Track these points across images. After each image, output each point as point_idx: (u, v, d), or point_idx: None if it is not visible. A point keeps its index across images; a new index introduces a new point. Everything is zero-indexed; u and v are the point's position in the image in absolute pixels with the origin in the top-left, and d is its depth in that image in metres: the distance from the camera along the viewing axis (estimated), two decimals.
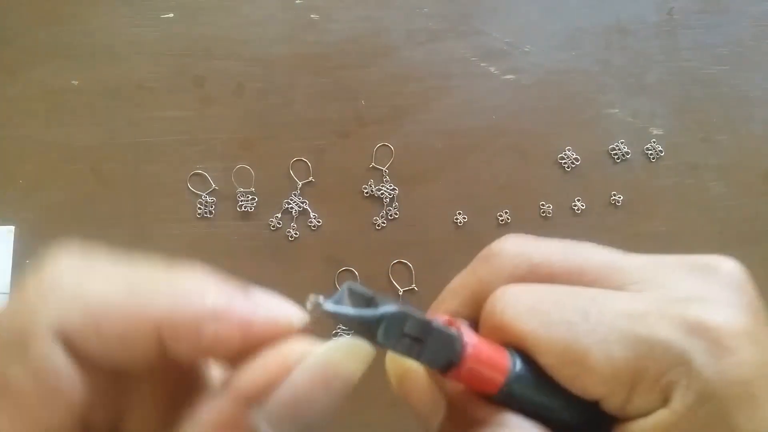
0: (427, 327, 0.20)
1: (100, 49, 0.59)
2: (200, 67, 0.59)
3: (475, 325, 0.24)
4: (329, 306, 0.19)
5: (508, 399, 0.21)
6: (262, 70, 0.59)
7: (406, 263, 0.57)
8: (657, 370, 0.20)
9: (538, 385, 0.22)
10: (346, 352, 0.19)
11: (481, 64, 0.59)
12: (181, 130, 0.58)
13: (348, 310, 0.20)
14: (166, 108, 0.59)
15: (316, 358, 0.19)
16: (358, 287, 0.21)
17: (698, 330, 0.20)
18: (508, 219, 0.57)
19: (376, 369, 0.20)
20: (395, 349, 0.20)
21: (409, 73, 0.59)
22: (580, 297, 0.22)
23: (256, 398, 0.18)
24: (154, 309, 0.18)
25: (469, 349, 0.21)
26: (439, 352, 0.21)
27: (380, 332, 0.20)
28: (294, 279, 0.57)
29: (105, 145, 0.58)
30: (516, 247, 0.24)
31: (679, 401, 0.20)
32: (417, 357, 0.21)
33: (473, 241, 0.57)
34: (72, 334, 0.18)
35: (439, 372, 0.22)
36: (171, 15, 0.59)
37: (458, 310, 0.25)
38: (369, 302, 0.20)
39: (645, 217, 0.58)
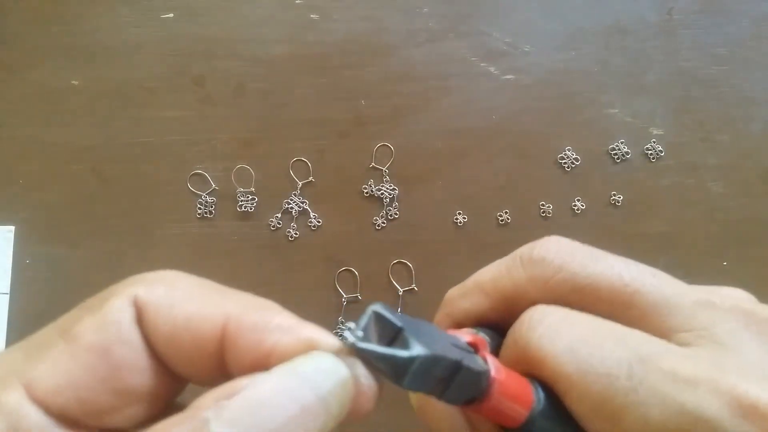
0: (457, 367, 0.19)
1: (100, 49, 0.59)
2: (200, 67, 0.59)
3: (499, 332, 0.23)
4: (360, 344, 0.18)
5: None
6: (262, 70, 0.59)
7: (406, 263, 0.57)
8: None
9: (559, 425, 0.21)
10: (333, 377, 0.18)
11: (481, 64, 0.59)
12: (181, 130, 0.58)
13: (376, 348, 0.18)
14: (166, 108, 0.59)
15: (293, 370, 0.18)
16: (386, 312, 0.19)
17: (750, 414, 0.18)
18: (508, 219, 0.57)
19: None
20: (419, 390, 0.19)
21: (409, 73, 0.59)
22: (625, 345, 0.20)
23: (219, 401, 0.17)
24: (226, 307, 0.19)
25: (495, 386, 0.20)
26: (464, 390, 0.20)
27: (407, 378, 0.18)
28: (294, 279, 0.57)
29: (105, 145, 0.58)
30: (562, 257, 0.22)
31: None
32: (440, 396, 0.20)
33: (473, 241, 0.58)
34: (146, 304, 0.19)
35: (460, 406, 0.21)
36: (171, 15, 0.59)
37: (484, 311, 0.24)
38: (396, 334, 0.19)
39: (645, 217, 0.58)
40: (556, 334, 0.21)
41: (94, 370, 0.18)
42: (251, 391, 0.17)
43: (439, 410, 0.22)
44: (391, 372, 0.18)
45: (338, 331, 0.55)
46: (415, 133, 0.58)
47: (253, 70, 0.59)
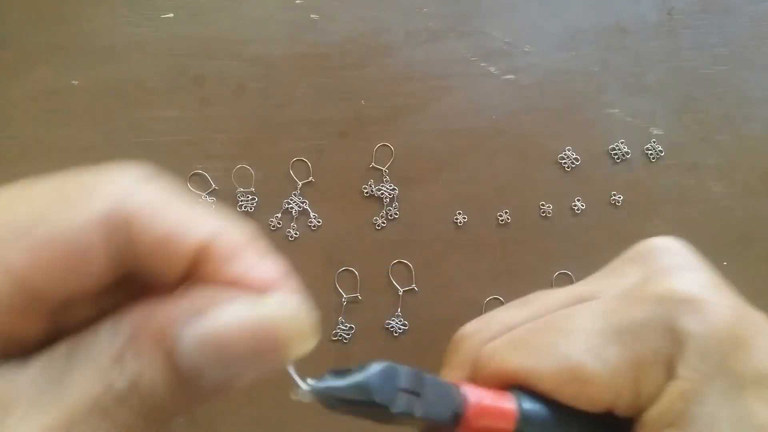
0: (420, 378, 0.20)
1: (100, 49, 0.59)
2: (200, 67, 0.59)
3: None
4: (318, 385, 0.19)
5: None
6: (262, 70, 0.59)
7: (406, 263, 0.57)
8: (652, 351, 0.20)
9: (550, 416, 0.21)
10: (295, 326, 0.18)
11: (481, 64, 0.59)
12: (181, 130, 0.58)
13: (337, 382, 0.19)
14: (166, 108, 0.59)
15: (259, 310, 0.18)
16: (339, 368, 0.20)
17: (669, 298, 0.20)
18: (508, 219, 0.58)
19: None
20: (396, 407, 0.19)
21: (409, 73, 0.59)
22: (550, 320, 0.23)
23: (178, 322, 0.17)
24: (208, 224, 0.18)
25: (471, 397, 0.21)
26: (440, 404, 0.20)
27: (376, 393, 0.19)
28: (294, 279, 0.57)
29: (105, 145, 0.58)
30: (476, 325, 0.25)
31: (683, 368, 0.20)
32: (419, 412, 0.20)
33: (473, 241, 0.58)
34: (129, 210, 0.18)
35: (448, 429, 0.21)
36: (171, 15, 0.59)
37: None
38: (354, 372, 0.20)
39: (645, 217, 0.58)
40: (498, 346, 0.23)
41: (51, 263, 0.17)
42: (220, 317, 0.17)
43: None
44: (359, 397, 0.19)
45: (338, 331, 0.55)
46: (415, 133, 0.58)
47: (253, 70, 0.59)
